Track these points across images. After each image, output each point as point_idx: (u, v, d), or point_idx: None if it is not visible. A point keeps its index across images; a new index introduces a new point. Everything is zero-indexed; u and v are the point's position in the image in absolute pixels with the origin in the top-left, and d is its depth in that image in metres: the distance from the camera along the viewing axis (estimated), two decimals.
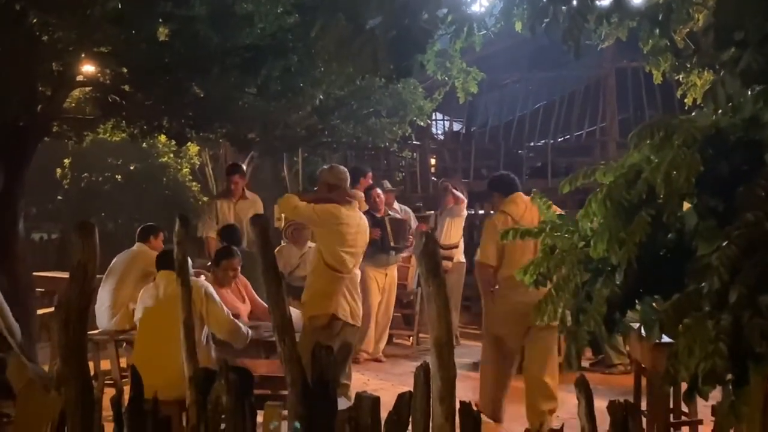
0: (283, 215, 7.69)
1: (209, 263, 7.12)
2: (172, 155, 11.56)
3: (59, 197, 11.81)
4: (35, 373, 4.33)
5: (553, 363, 5.30)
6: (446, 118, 14.85)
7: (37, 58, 5.49)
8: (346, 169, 5.51)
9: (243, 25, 5.31)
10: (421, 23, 3.54)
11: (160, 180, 11.45)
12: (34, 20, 5.13)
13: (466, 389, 5.40)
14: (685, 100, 5.66)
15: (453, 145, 13.72)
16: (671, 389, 4.41)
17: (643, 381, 4.71)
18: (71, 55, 5.62)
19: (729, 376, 2.17)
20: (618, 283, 2.48)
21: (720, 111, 2.59)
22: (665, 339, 2.65)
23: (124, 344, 6.02)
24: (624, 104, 12.35)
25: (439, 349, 2.44)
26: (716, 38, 2.63)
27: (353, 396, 2.69)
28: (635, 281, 2.47)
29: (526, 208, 5.27)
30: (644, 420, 3.90)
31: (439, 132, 14.95)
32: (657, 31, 3.72)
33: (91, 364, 3.44)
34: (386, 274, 7.63)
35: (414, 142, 12.30)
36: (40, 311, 6.76)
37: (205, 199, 10.66)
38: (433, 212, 9.24)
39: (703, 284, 2.24)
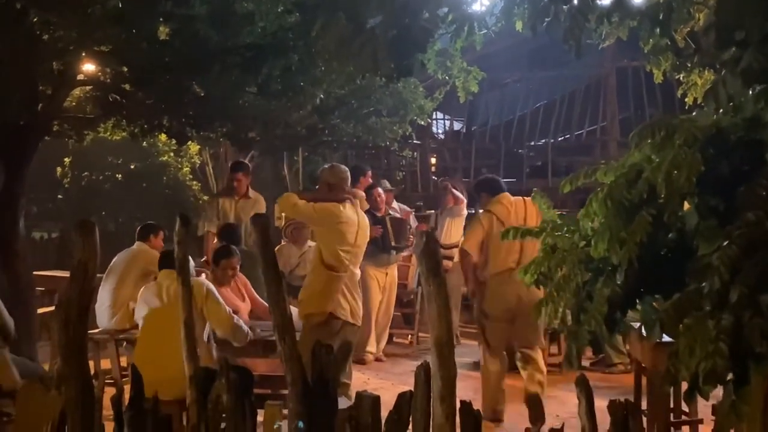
0: (283, 214, 7.69)
1: (203, 259, 7.13)
2: (172, 154, 11.58)
3: (60, 196, 11.84)
4: (25, 370, 4.34)
5: (540, 339, 5.59)
6: (447, 117, 14.86)
7: (38, 57, 5.49)
8: (346, 169, 5.50)
9: (243, 24, 5.32)
10: (422, 22, 3.55)
11: (160, 179, 11.47)
12: (35, 19, 5.13)
13: (467, 388, 5.41)
14: (686, 100, 5.67)
15: (453, 144, 13.74)
16: (671, 388, 4.42)
17: (644, 380, 4.71)
18: (72, 54, 5.62)
19: (729, 376, 2.17)
20: (619, 282, 2.48)
21: (721, 110, 2.59)
22: (666, 338, 2.65)
23: (125, 343, 6.01)
24: (624, 103, 12.36)
25: (439, 348, 2.44)
26: (717, 38, 2.63)
27: (353, 395, 2.69)
28: (636, 281, 2.47)
29: (511, 208, 5.52)
30: (644, 419, 3.89)
31: (440, 131, 14.96)
32: (658, 30, 3.71)
33: (91, 364, 3.44)
34: (387, 274, 7.63)
35: (414, 142, 12.31)
36: (40, 310, 6.76)
37: (206, 198, 10.67)
38: (433, 211, 9.24)
39: (703, 284, 2.24)
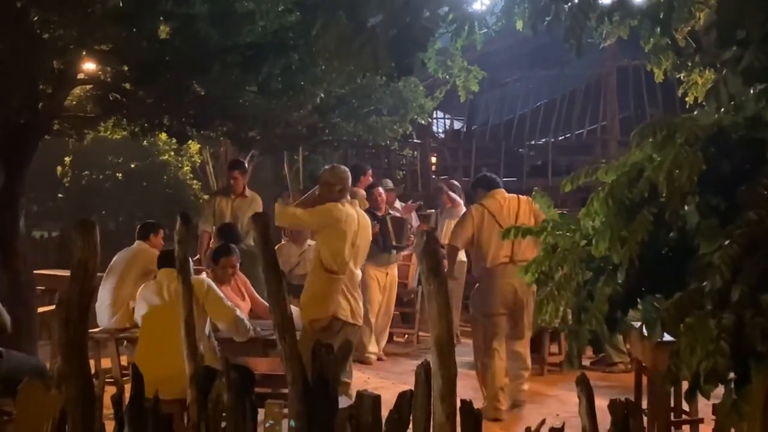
0: None
1: (197, 257, 7.13)
2: (172, 153, 11.57)
3: (60, 195, 11.82)
4: (28, 367, 4.34)
5: (527, 335, 5.68)
6: (447, 116, 14.86)
7: (38, 56, 5.48)
8: (347, 169, 5.50)
9: (244, 23, 5.31)
10: (422, 21, 3.54)
11: (160, 178, 11.46)
12: (35, 18, 5.13)
13: (467, 388, 5.41)
14: (687, 99, 5.66)
15: (454, 143, 13.74)
16: (672, 388, 4.41)
17: (644, 379, 4.71)
18: (72, 53, 5.61)
19: (731, 375, 2.16)
20: (620, 281, 2.48)
21: (722, 110, 2.59)
22: (667, 337, 2.64)
23: (125, 342, 6.02)
24: (625, 103, 12.36)
25: (440, 347, 2.44)
26: (718, 36, 2.62)
27: (354, 394, 2.69)
28: (637, 280, 2.47)
29: (504, 203, 5.60)
30: (645, 418, 3.89)
31: (440, 130, 14.97)
32: (658, 29, 3.71)
33: (91, 363, 3.44)
34: (387, 273, 7.63)
35: (415, 141, 12.31)
36: (40, 309, 6.76)
37: (206, 197, 10.67)
38: (433, 211, 9.25)
39: (704, 283, 2.23)
